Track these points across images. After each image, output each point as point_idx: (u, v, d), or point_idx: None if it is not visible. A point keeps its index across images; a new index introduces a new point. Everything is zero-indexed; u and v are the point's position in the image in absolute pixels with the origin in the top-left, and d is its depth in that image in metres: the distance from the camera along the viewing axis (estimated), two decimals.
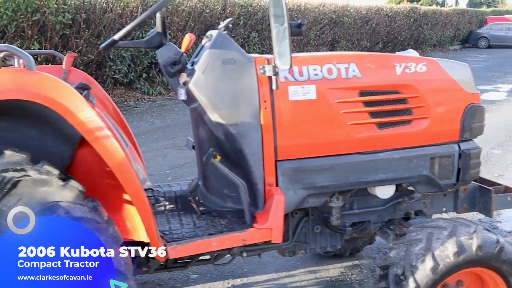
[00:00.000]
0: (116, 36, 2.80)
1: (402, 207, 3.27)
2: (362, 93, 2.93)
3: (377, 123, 2.96)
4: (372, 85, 2.94)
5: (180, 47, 2.98)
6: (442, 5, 47.06)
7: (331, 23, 20.18)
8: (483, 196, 3.32)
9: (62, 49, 11.63)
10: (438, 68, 3.11)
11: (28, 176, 2.10)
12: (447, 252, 2.57)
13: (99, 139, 2.30)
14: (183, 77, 2.84)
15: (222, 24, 3.06)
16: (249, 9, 17.15)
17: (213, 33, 2.96)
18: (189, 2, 15.09)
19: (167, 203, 3.14)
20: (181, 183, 3.37)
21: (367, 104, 2.94)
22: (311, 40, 19.50)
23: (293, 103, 2.81)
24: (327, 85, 2.86)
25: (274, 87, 2.66)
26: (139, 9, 13.63)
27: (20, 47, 10.34)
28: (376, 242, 4.32)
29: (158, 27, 2.90)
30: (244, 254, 2.97)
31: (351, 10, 21.28)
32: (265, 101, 2.77)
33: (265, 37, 16.97)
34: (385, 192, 3.11)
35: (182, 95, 2.85)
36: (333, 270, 4.04)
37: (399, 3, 34.42)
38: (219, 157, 2.79)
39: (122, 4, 13.06)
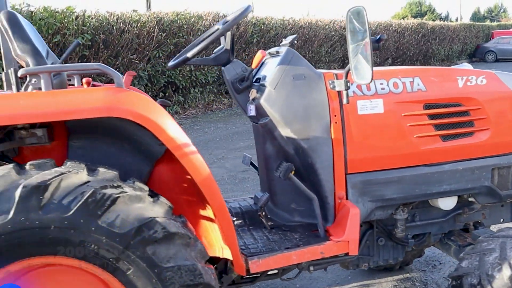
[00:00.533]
0: (189, 54, 2.88)
1: (462, 218, 3.30)
2: (427, 106, 2.99)
3: (441, 135, 3.01)
4: (436, 98, 3.00)
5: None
6: (446, 19, 47.39)
7: (342, 39, 20.36)
8: None
9: None
10: (497, 81, 3.17)
11: (125, 192, 2.15)
12: None
13: (186, 155, 2.36)
14: (253, 93, 2.91)
15: (287, 41, 3.13)
16: (262, 27, 17.34)
17: (279, 49, 3.03)
18: (204, 21, 15.29)
19: (234, 218, 3.18)
20: (246, 198, 3.41)
21: (432, 116, 3.00)
22: (322, 57, 19.68)
23: (362, 117, 2.87)
24: (394, 99, 2.93)
25: (345, 101, 2.73)
26: (155, 29, 13.83)
27: None
28: (424, 256, 4.32)
29: (227, 45, 2.97)
30: (311, 268, 2.98)
31: None
32: (335, 116, 2.83)
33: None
34: (447, 203, 3.15)
35: (252, 111, 2.92)
36: (386, 283, 4.05)
37: (403, 18, 34.73)
38: (293, 171, 2.83)
39: (139, 24, 13.26)
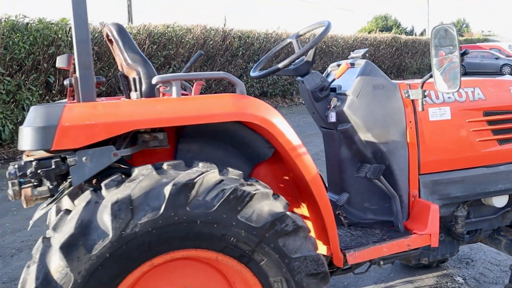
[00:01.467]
0: (281, 65, 3.12)
1: (510, 215, 3.62)
2: (486, 113, 3.32)
3: (498, 139, 3.34)
4: (493, 106, 3.33)
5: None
6: (411, 33, 48.84)
7: (321, 52, 20.88)
8: None
9: None
10: None
11: (258, 189, 2.36)
12: None
13: (300, 156, 2.59)
14: (334, 101, 3.17)
15: (360, 53, 3.40)
16: (247, 40, 17.65)
17: (354, 61, 3.29)
18: (192, 34, 15.48)
19: None
20: None
21: (490, 122, 3.33)
22: None
23: (433, 123, 3.17)
24: (459, 107, 3.24)
25: (420, 109, 3.02)
26: (146, 41, 13.97)
27: (36, 80, 10.53)
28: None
29: (309, 57, 3.22)
30: (381, 262, 3.24)
31: (339, 40, 22.08)
32: (410, 122, 3.12)
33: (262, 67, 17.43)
34: (501, 201, 3.47)
35: (332, 117, 3.18)
36: (427, 279, 4.34)
37: (369, 32, 35.70)
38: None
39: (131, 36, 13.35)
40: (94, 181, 2.53)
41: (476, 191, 3.31)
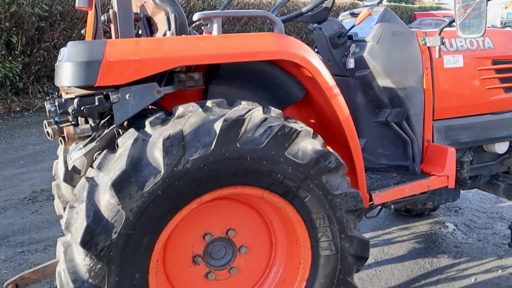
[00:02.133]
0: (304, 9, 3.10)
1: (507, 162, 3.80)
2: (495, 62, 3.43)
3: (504, 87, 3.47)
4: (502, 55, 3.45)
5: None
6: None
7: None
8: None
9: (37, 42, 11.31)
10: None
11: (302, 127, 2.37)
12: None
13: (336, 96, 2.62)
14: (353, 47, 3.19)
15: (375, 1, 3.42)
16: (210, 2, 17.32)
17: (372, 8, 3.30)
18: None
19: None
20: None
21: (498, 71, 3.44)
22: None
23: (447, 70, 3.26)
24: (470, 55, 3.33)
25: (437, 55, 3.09)
26: (111, 1, 13.44)
27: None
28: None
29: (328, 3, 3.21)
30: (392, 206, 3.35)
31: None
32: (426, 68, 3.19)
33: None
34: (502, 147, 3.63)
35: (351, 63, 3.20)
36: (421, 226, 4.53)
37: None
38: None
39: None
40: (125, 123, 2.47)
41: (483, 137, 3.45)
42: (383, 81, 3.17)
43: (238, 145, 2.19)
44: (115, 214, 2.06)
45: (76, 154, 2.35)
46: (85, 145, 2.36)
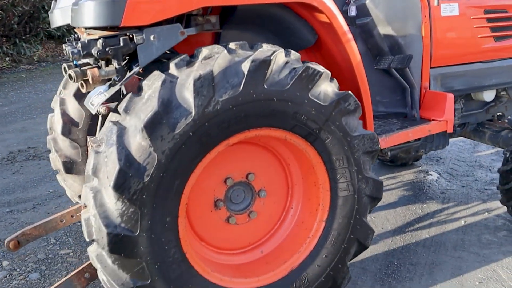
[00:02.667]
0: None
1: (492, 110, 3.97)
2: (486, 11, 3.52)
3: (494, 36, 3.58)
4: (493, 4, 3.54)
5: None
6: None
7: None
8: None
9: None
10: None
11: (323, 69, 2.38)
12: None
13: (349, 41, 2.64)
14: None
15: None
16: None
17: None
18: None
19: None
20: None
21: (489, 20, 3.54)
22: None
23: (444, 19, 3.32)
24: (465, 4, 3.41)
25: (435, 3, 3.16)
26: None
27: None
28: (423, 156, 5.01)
29: None
30: (389, 153, 3.44)
31: None
32: (425, 16, 3.24)
33: None
34: (490, 95, 3.77)
35: (353, 11, 3.22)
36: (407, 175, 4.70)
37: None
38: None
39: None
40: (141, 69, 2.41)
41: (474, 85, 3.57)
42: (384, 29, 3.21)
43: (265, 86, 2.19)
44: (147, 157, 2.03)
45: (99, 99, 2.28)
46: (107, 89, 2.30)
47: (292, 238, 2.64)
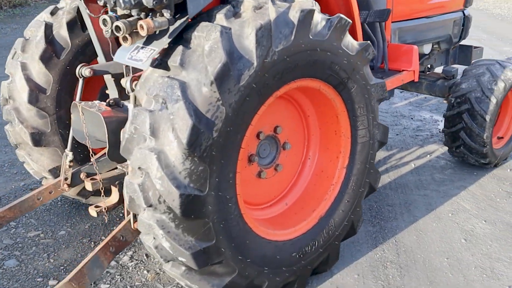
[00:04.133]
0: None
1: (426, 62, 4.39)
2: None
3: None
4: None
5: None
6: None
7: None
8: (464, 52, 4.67)
9: None
10: None
11: (348, 19, 2.45)
12: (508, 75, 3.83)
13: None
14: None
15: None
16: None
17: None
18: None
19: None
20: None
21: None
22: None
23: None
24: None
25: None
26: None
27: None
28: None
29: None
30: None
31: None
32: None
33: None
34: (428, 48, 4.18)
35: None
36: None
37: None
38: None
39: None
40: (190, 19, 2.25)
41: (419, 38, 3.92)
42: None
43: (310, 36, 2.21)
44: (216, 111, 1.95)
45: (143, 54, 2.09)
46: (145, 44, 2.11)
47: (315, 188, 2.73)
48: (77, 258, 3.00)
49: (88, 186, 2.80)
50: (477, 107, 3.77)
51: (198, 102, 1.93)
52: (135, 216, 2.40)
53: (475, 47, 4.63)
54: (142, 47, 2.12)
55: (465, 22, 4.38)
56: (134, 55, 2.12)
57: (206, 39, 2.00)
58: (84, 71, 2.75)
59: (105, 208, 2.85)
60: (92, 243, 3.16)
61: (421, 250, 3.00)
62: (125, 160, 2.73)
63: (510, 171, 4.10)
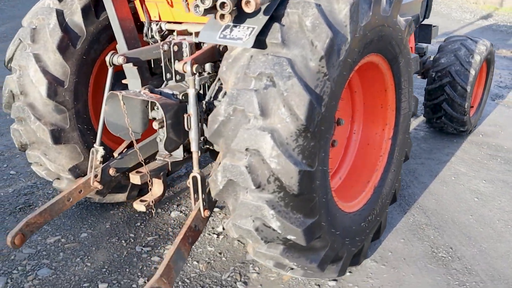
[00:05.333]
0: None
1: None
2: None
3: None
4: None
5: None
6: None
7: None
8: (424, 30, 5.01)
9: None
10: None
11: None
12: (481, 49, 4.20)
13: None
14: None
15: None
16: None
17: None
18: None
19: None
20: None
21: None
22: None
23: None
24: None
25: None
26: None
27: None
28: None
29: None
30: None
31: None
32: None
33: None
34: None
35: None
36: None
37: None
38: None
39: None
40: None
41: None
42: None
43: (380, 12, 2.29)
44: (323, 86, 1.98)
45: (241, 33, 2.01)
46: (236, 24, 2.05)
47: (365, 160, 2.82)
48: (115, 258, 2.84)
49: (136, 179, 2.66)
50: (458, 79, 4.10)
51: (307, 78, 1.93)
52: (204, 204, 2.34)
53: (433, 26, 5.00)
54: (234, 26, 2.05)
55: (429, 2, 4.70)
56: (228, 34, 2.05)
57: (304, 15, 2.00)
58: (117, 59, 2.60)
59: (152, 201, 2.73)
60: (123, 241, 3.00)
61: (445, 211, 3.24)
62: (175, 149, 2.65)
63: (482, 136, 4.51)
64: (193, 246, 2.90)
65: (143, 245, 2.96)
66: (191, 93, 2.34)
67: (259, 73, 1.96)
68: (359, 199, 2.64)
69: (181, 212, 3.30)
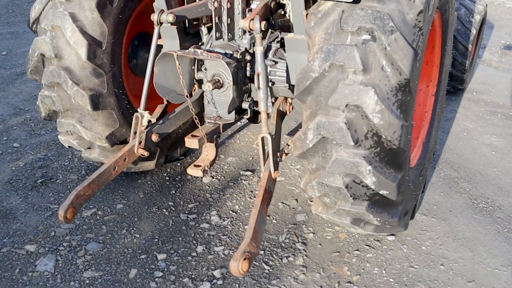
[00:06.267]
0: None
1: None
2: None
3: None
4: None
5: None
6: None
7: None
8: None
9: None
10: None
11: None
12: (480, 8, 4.33)
13: None
14: None
15: None
16: None
17: None
18: None
19: None
20: None
21: None
22: None
23: None
24: None
25: None
26: None
27: None
28: None
29: None
30: None
31: None
32: None
33: None
34: None
35: None
36: None
37: None
38: None
39: None
40: None
41: None
42: None
43: None
44: (418, 40, 1.99)
45: None
46: None
47: (413, 116, 2.86)
48: (162, 228, 2.74)
49: (194, 143, 2.54)
50: (459, 37, 4.22)
51: (406, 32, 1.92)
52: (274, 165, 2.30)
53: None
54: None
55: None
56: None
57: None
58: (167, 17, 2.44)
59: (207, 166, 2.63)
60: (164, 210, 2.89)
61: (470, 165, 3.37)
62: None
63: (476, 93, 4.71)
64: (241, 211, 2.88)
65: (187, 212, 2.87)
66: (259, 50, 2.24)
67: (359, 27, 1.91)
68: (413, 154, 2.69)
69: (213, 177, 3.22)
